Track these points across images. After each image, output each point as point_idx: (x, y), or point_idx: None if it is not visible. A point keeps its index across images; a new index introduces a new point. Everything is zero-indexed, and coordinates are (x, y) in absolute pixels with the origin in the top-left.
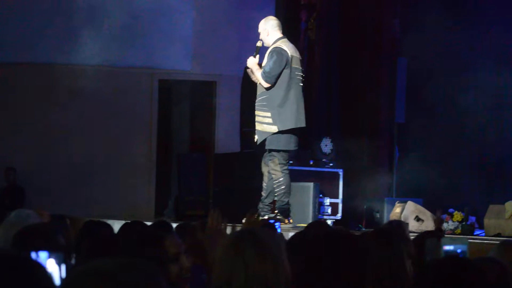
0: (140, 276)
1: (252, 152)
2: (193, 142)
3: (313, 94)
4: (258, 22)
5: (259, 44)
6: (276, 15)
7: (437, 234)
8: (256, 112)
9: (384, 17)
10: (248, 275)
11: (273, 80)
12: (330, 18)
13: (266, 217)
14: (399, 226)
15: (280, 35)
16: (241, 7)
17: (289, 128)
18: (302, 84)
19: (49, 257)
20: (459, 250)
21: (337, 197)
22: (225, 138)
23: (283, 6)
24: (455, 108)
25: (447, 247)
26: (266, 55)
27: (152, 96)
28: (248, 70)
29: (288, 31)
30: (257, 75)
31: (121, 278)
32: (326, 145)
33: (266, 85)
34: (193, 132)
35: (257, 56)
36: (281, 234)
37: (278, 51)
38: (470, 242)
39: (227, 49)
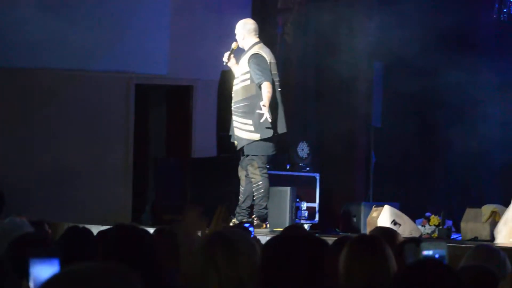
0: (116, 281)
1: (229, 156)
2: (170, 147)
3: (289, 98)
4: (234, 26)
5: (234, 46)
6: (253, 19)
7: (416, 239)
8: (235, 118)
9: (360, 20)
10: (220, 278)
11: (269, 76)
12: (306, 22)
13: (243, 220)
14: (387, 234)
15: (257, 39)
16: (218, 11)
17: (271, 135)
18: (279, 89)
19: (45, 263)
20: (438, 255)
21: (314, 201)
22: (202, 143)
23: (259, 10)
24: (432, 112)
25: (426, 252)
26: (246, 60)
27: (128, 101)
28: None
29: (264, 36)
30: (267, 98)
31: (96, 283)
32: (303, 150)
33: (270, 86)
34: (169, 137)
35: (232, 56)
36: (256, 239)
37: (258, 58)
38: (448, 246)
39: (203, 53)
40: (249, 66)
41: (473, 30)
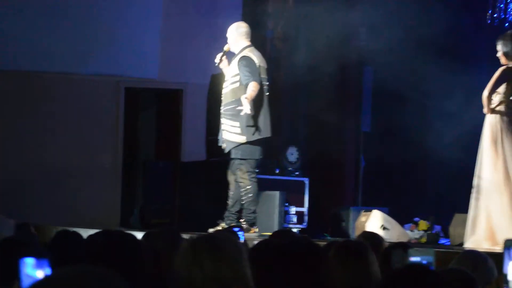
0: (102, 285)
1: (218, 160)
2: (159, 150)
3: (279, 103)
4: (225, 30)
5: (225, 48)
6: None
7: (404, 245)
8: (223, 121)
9: (350, 25)
10: (205, 279)
11: (257, 77)
12: (297, 26)
13: (232, 225)
14: (373, 238)
15: (248, 43)
16: (208, 15)
17: (257, 138)
18: (268, 93)
19: (35, 263)
20: (425, 262)
21: (302, 206)
22: (192, 146)
23: (250, 14)
24: (421, 117)
25: (413, 258)
26: (236, 63)
27: (118, 104)
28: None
29: (255, 39)
30: (250, 94)
31: (83, 287)
32: (292, 154)
33: (257, 85)
34: (159, 140)
35: (224, 58)
36: (245, 243)
37: (247, 61)
38: (436, 251)
39: (194, 57)
40: (239, 68)
41: (464, 35)
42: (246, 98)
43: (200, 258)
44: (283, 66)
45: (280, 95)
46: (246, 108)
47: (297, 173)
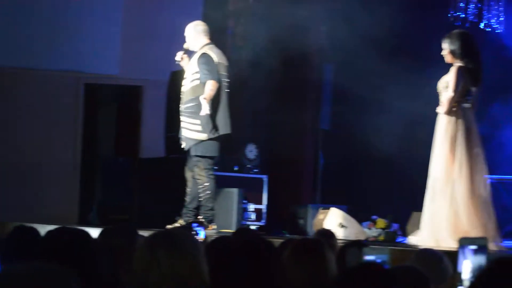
0: (53, 281)
1: (177, 157)
2: (119, 147)
3: (239, 100)
4: (185, 27)
5: (186, 46)
6: (204, 21)
7: (359, 243)
8: (183, 118)
9: (311, 23)
10: (162, 273)
11: (216, 75)
12: (257, 25)
13: (189, 222)
14: (326, 235)
15: (207, 40)
16: (169, 12)
17: (218, 135)
18: (228, 90)
19: None
20: (379, 260)
21: (261, 203)
22: (151, 143)
23: (211, 11)
24: (380, 115)
25: (368, 257)
26: (195, 60)
27: (78, 100)
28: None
29: (215, 37)
30: (208, 94)
31: (33, 283)
32: (251, 151)
33: (215, 84)
34: (118, 137)
35: (184, 56)
36: (206, 239)
37: (206, 58)
38: (392, 249)
39: (154, 54)
40: (198, 66)
41: (425, 34)
42: (204, 98)
43: (157, 255)
44: (243, 64)
45: (240, 93)
46: (205, 109)
47: (256, 170)
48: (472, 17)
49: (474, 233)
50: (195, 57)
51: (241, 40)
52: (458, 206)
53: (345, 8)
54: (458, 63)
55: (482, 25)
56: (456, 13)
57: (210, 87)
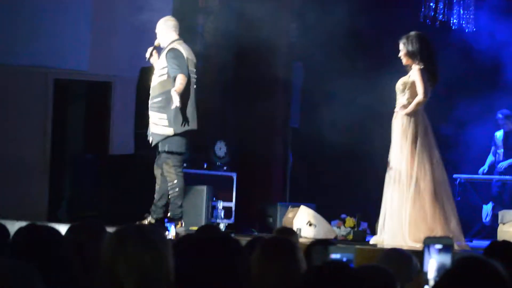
0: (14, 278)
1: (146, 154)
2: (88, 143)
3: (208, 97)
4: (155, 24)
5: (156, 43)
6: (174, 17)
7: (324, 242)
8: (151, 113)
9: (281, 21)
10: (129, 265)
11: (185, 69)
12: (227, 21)
13: (158, 219)
14: (287, 233)
15: (177, 36)
16: (139, 8)
17: (185, 130)
18: (195, 87)
19: None
20: (345, 259)
21: (230, 201)
22: (120, 140)
23: (180, 8)
24: (349, 114)
25: (334, 255)
26: (164, 55)
27: (47, 96)
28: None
29: (185, 34)
30: (178, 87)
31: None
32: (221, 149)
33: (185, 78)
34: (88, 133)
35: (154, 53)
36: (177, 235)
37: (175, 52)
38: (360, 249)
39: (123, 50)
40: (167, 61)
41: (395, 33)
42: (175, 91)
43: (125, 247)
44: (213, 61)
45: (209, 90)
46: (176, 101)
47: (225, 168)
48: (441, 16)
49: (437, 232)
50: (164, 52)
51: (211, 37)
52: (421, 206)
53: (316, 6)
54: (417, 65)
55: (452, 25)
56: (426, 12)
57: (180, 80)
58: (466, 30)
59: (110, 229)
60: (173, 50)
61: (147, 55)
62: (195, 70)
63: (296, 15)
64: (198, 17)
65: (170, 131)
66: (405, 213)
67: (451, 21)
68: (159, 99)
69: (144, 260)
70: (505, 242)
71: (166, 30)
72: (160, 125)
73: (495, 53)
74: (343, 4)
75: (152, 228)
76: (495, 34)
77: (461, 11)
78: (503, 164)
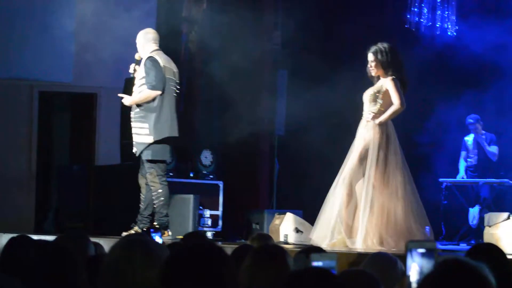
0: None
1: (132, 164)
2: (74, 154)
3: (193, 106)
4: (138, 34)
5: (137, 56)
6: (157, 28)
7: (307, 250)
8: (133, 124)
9: (265, 29)
10: (136, 276)
11: (161, 85)
12: (211, 30)
13: (145, 229)
14: (264, 239)
15: (156, 47)
16: (122, 19)
17: (164, 137)
18: (176, 95)
19: None
20: (326, 266)
21: (217, 209)
22: (106, 150)
23: (164, 18)
24: (335, 120)
25: (316, 263)
26: (142, 66)
27: (32, 108)
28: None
29: (169, 44)
30: (138, 98)
31: None
32: (206, 157)
33: (156, 93)
34: (73, 144)
35: (137, 68)
36: (163, 244)
37: (151, 61)
38: (342, 254)
39: (108, 61)
40: (144, 70)
41: (381, 38)
42: (133, 100)
43: (133, 261)
44: (197, 70)
45: (194, 99)
46: (126, 100)
47: (211, 176)
48: (425, 21)
49: (406, 237)
50: (142, 62)
51: (195, 46)
52: (390, 212)
53: (300, 13)
54: (389, 75)
55: (436, 30)
56: (411, 17)
57: (146, 94)
58: (449, 33)
59: (96, 240)
60: (149, 58)
61: (131, 71)
62: (174, 79)
63: (280, 23)
64: (182, 27)
65: (150, 139)
66: (374, 220)
67: (435, 26)
68: (140, 109)
69: (151, 272)
70: (488, 245)
71: (145, 42)
72: (141, 134)
73: (478, 57)
74: (327, 11)
75: (155, 242)
76: (477, 38)
77: (444, 17)
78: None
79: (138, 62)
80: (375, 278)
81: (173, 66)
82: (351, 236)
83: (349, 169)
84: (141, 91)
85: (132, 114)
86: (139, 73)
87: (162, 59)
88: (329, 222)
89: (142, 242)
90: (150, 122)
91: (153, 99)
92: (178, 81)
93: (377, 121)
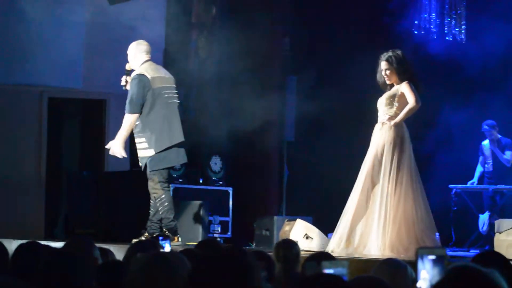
0: None
1: (141, 170)
2: (83, 161)
3: (203, 112)
4: (149, 40)
5: (127, 67)
6: (167, 34)
7: (318, 257)
8: (136, 140)
9: (274, 35)
10: None
11: (136, 108)
12: (220, 36)
13: (155, 235)
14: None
15: (147, 58)
16: (132, 25)
17: (165, 147)
18: (176, 101)
19: None
20: (338, 273)
21: (227, 215)
22: (115, 157)
23: (173, 24)
24: (344, 127)
25: (327, 270)
26: (130, 81)
27: (42, 114)
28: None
29: (178, 50)
30: (123, 130)
31: None
32: (216, 163)
33: (134, 116)
34: (83, 151)
35: (128, 79)
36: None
37: (136, 79)
38: (353, 261)
39: (117, 67)
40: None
41: (389, 46)
42: (117, 137)
43: (156, 281)
44: (207, 76)
45: (204, 105)
46: (114, 143)
47: (221, 182)
48: (434, 27)
49: (416, 244)
50: (131, 78)
51: (204, 52)
52: (402, 218)
53: (309, 19)
54: (404, 81)
55: (447, 36)
56: (422, 24)
57: (126, 121)
58: (459, 39)
59: (107, 246)
60: (134, 77)
61: (122, 83)
62: (168, 85)
63: (289, 29)
64: (191, 33)
65: (151, 152)
66: (385, 223)
67: (445, 32)
68: (136, 124)
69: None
70: (492, 252)
71: (137, 53)
72: (142, 149)
73: (489, 61)
74: (336, 17)
75: (177, 257)
76: (488, 42)
77: (454, 22)
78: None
79: (129, 73)
80: (386, 285)
81: (164, 73)
82: (364, 243)
83: (365, 175)
84: (124, 120)
85: (134, 130)
86: (130, 85)
87: (151, 70)
88: (345, 228)
89: (164, 259)
90: (147, 136)
91: (144, 114)
92: (173, 85)
93: (393, 122)
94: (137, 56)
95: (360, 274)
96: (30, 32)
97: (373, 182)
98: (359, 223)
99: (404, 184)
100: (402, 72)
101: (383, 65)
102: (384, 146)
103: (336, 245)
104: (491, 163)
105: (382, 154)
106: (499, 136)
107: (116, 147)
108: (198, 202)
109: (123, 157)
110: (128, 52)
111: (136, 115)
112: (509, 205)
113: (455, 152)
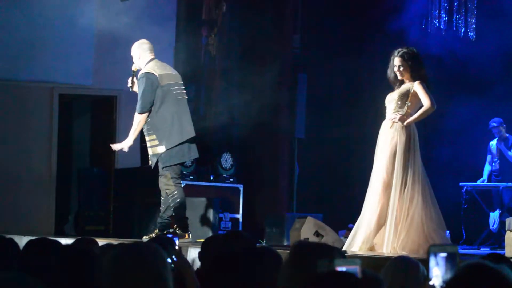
0: None
1: (151, 168)
2: (94, 157)
3: (213, 109)
4: (159, 37)
5: (133, 68)
6: (177, 31)
7: (331, 251)
8: (146, 138)
9: (285, 32)
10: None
11: (146, 107)
12: (231, 33)
13: (165, 232)
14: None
15: (151, 57)
16: (142, 22)
17: (177, 143)
18: (185, 97)
19: None
20: (351, 271)
21: (237, 212)
22: (126, 153)
23: (184, 21)
24: (354, 124)
25: (339, 268)
26: (137, 81)
27: (52, 111)
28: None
29: (189, 47)
30: (133, 130)
31: None
32: (226, 160)
33: (143, 116)
34: (93, 147)
35: (135, 80)
36: (179, 249)
37: (144, 77)
38: (368, 257)
39: (127, 64)
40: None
41: (400, 43)
42: (128, 138)
43: (125, 274)
44: (217, 73)
45: (214, 102)
46: (123, 144)
47: (231, 179)
48: (444, 25)
49: (428, 242)
50: (138, 77)
51: (215, 49)
52: (413, 216)
53: (319, 17)
54: (415, 79)
55: (459, 33)
56: (432, 21)
57: (136, 121)
58: (470, 36)
59: (116, 242)
60: (141, 75)
61: (129, 84)
62: (175, 81)
63: (300, 26)
64: (202, 30)
65: (162, 149)
66: (397, 221)
67: (456, 29)
68: (147, 122)
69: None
70: (498, 255)
71: (141, 53)
72: (153, 146)
73: (499, 60)
74: (346, 14)
75: (150, 250)
76: (497, 41)
77: (464, 19)
78: None
79: (135, 74)
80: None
81: (171, 70)
82: (377, 241)
83: (378, 173)
84: (134, 120)
85: (143, 128)
86: (137, 85)
87: (157, 68)
88: (359, 226)
89: (134, 250)
90: (157, 133)
91: (154, 111)
92: (181, 82)
93: (406, 122)
94: (142, 55)
95: (376, 271)
96: (40, 29)
97: (388, 181)
98: (373, 221)
99: (416, 183)
100: (416, 69)
101: (396, 61)
102: (396, 146)
103: (358, 247)
104: (498, 161)
105: (394, 154)
106: (507, 134)
107: (124, 146)
108: (208, 199)
109: (126, 152)
110: (132, 53)
111: (145, 115)
112: None
113: (466, 150)
